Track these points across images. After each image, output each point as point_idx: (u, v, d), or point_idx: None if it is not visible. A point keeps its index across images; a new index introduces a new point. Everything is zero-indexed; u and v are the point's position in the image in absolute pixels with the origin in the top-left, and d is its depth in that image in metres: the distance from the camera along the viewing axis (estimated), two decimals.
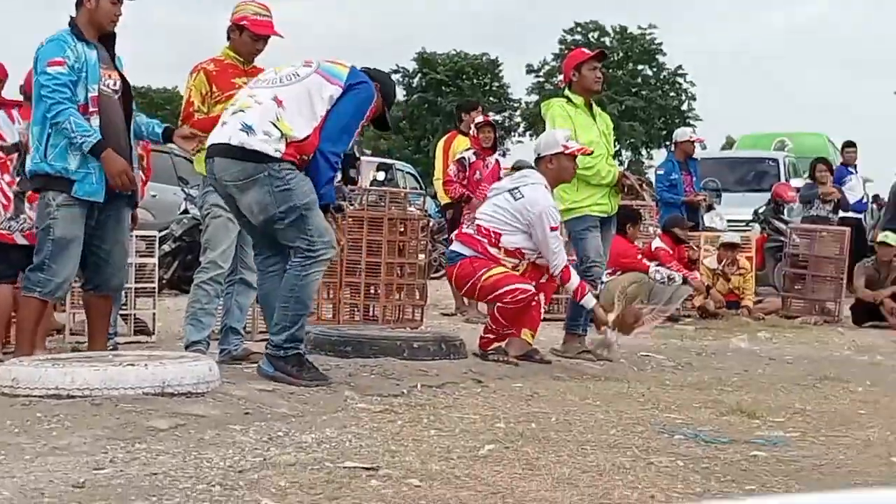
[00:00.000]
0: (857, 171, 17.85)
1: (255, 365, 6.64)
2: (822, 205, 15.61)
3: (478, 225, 8.20)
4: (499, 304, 7.93)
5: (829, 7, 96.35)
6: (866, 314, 13.50)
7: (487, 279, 7.95)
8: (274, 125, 6.25)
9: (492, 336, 8.09)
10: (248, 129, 6.27)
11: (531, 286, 7.96)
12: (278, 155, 6.24)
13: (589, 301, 8.11)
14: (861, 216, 17.65)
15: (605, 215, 8.87)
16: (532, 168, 8.66)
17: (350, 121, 6.41)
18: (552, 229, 8.00)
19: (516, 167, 14.35)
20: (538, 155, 8.37)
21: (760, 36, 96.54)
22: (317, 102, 6.33)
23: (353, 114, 6.42)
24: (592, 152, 8.50)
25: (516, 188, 8.18)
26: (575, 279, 8.08)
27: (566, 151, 8.20)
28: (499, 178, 12.50)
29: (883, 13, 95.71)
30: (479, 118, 12.80)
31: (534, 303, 8.03)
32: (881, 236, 14.21)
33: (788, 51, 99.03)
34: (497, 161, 12.76)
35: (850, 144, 18.09)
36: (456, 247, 8.27)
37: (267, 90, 6.41)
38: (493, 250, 8.05)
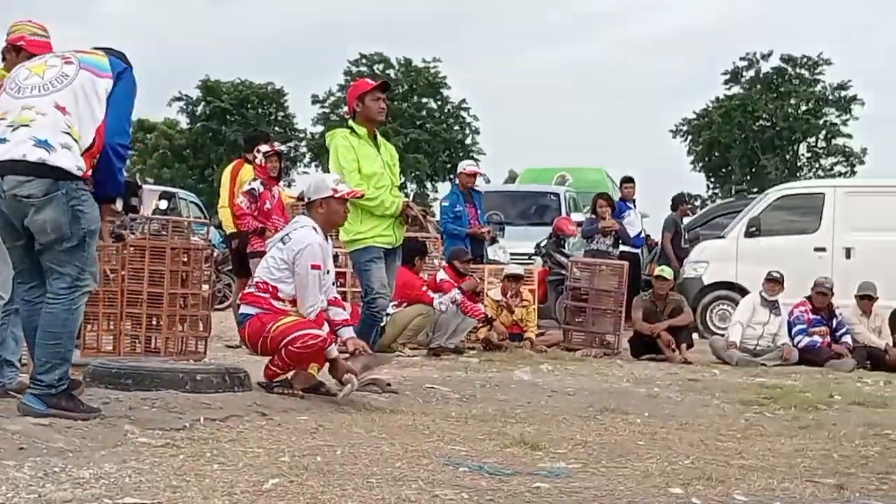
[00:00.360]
0: (635, 206, 18.33)
1: None
2: (603, 239, 15.97)
3: (256, 282, 8.07)
4: (288, 348, 7.77)
5: (604, 47, 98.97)
6: (644, 347, 13.84)
7: (276, 329, 7.76)
8: (69, 136, 6.06)
9: (277, 370, 7.98)
10: (44, 144, 6.02)
11: (322, 331, 7.83)
12: (80, 173, 6.06)
13: (331, 352, 7.97)
14: (639, 251, 18.12)
15: (390, 246, 8.89)
16: None
17: (127, 110, 6.33)
18: (313, 267, 7.79)
19: (301, 198, 14.32)
20: (308, 199, 8.25)
21: (542, 71, 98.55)
22: (94, 102, 6.17)
23: (129, 103, 6.35)
24: (363, 195, 8.49)
25: (286, 234, 8.07)
26: (326, 326, 7.92)
27: (336, 195, 8.10)
28: (284, 208, 12.47)
29: (655, 53, 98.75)
30: (266, 147, 12.72)
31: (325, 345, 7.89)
32: (658, 270, 14.61)
33: (570, 87, 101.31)
34: (280, 191, 12.73)
35: (627, 180, 18.57)
36: (243, 308, 8.09)
37: (43, 98, 6.16)
38: (277, 303, 7.89)
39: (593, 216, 16.37)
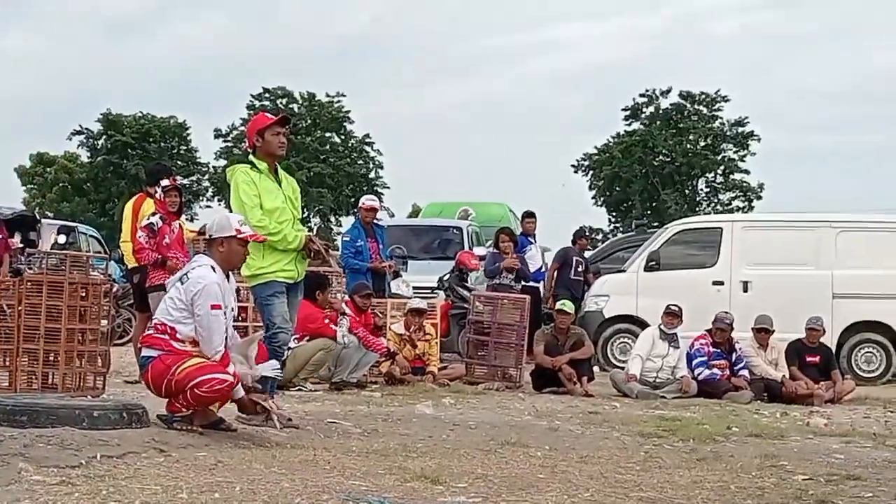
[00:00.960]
0: (535, 241, 18.45)
1: None
2: (506, 275, 16.03)
3: (155, 323, 7.96)
4: (194, 391, 7.59)
5: (506, 82, 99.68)
6: (546, 380, 13.92)
7: (181, 372, 7.61)
8: None
9: (181, 407, 7.86)
10: None
11: (229, 374, 7.70)
12: None
13: (237, 392, 7.84)
14: (539, 285, 18.21)
15: (292, 281, 8.84)
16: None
17: None
18: (213, 307, 7.67)
19: (202, 232, 14.22)
20: (210, 236, 8.16)
21: (445, 106, 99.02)
22: None
23: None
24: (265, 240, 8.48)
25: (185, 274, 7.97)
26: (231, 367, 7.79)
27: (238, 236, 8.05)
28: (183, 242, 12.38)
29: (556, 89, 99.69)
30: (166, 182, 12.63)
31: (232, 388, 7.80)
32: (559, 304, 14.72)
33: (472, 122, 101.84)
34: (181, 225, 12.65)
35: (529, 215, 18.68)
36: (144, 351, 7.94)
37: None
38: (177, 345, 7.77)
39: (496, 251, 16.44)
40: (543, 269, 18.50)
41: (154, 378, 7.77)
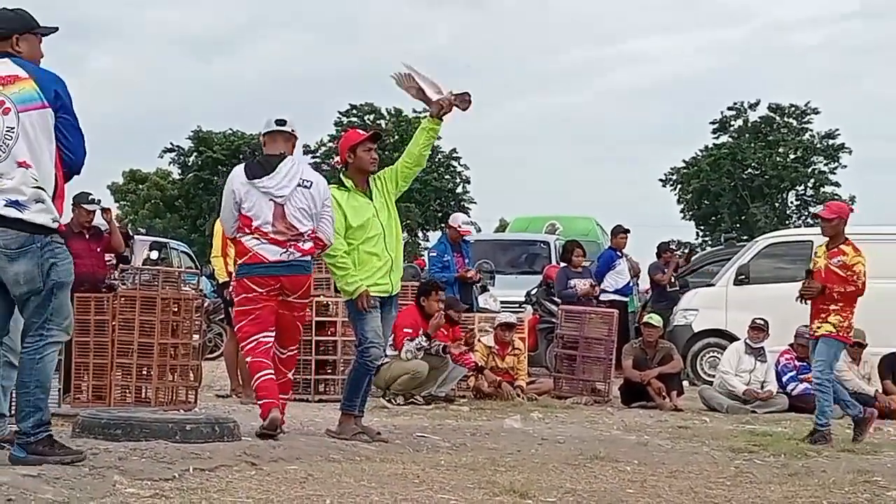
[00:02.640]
0: (625, 255, 18.33)
1: None
2: (580, 283, 15.99)
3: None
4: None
5: (594, 96, 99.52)
6: (634, 394, 13.85)
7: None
8: (40, 189, 6.13)
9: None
10: (15, 204, 6.10)
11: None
12: (55, 225, 6.18)
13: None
14: (628, 299, 18.11)
15: (386, 295, 8.88)
16: None
17: (75, 120, 6.34)
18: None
19: None
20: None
21: (532, 120, 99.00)
22: (44, 144, 6.19)
23: (72, 109, 6.32)
24: None
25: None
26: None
27: None
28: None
29: (644, 102, 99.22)
30: None
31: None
32: (646, 318, 14.64)
33: (559, 135, 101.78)
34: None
35: (622, 230, 18.47)
36: None
37: (4, 162, 6.16)
38: None
39: (565, 265, 16.36)
40: (631, 284, 18.37)
41: None
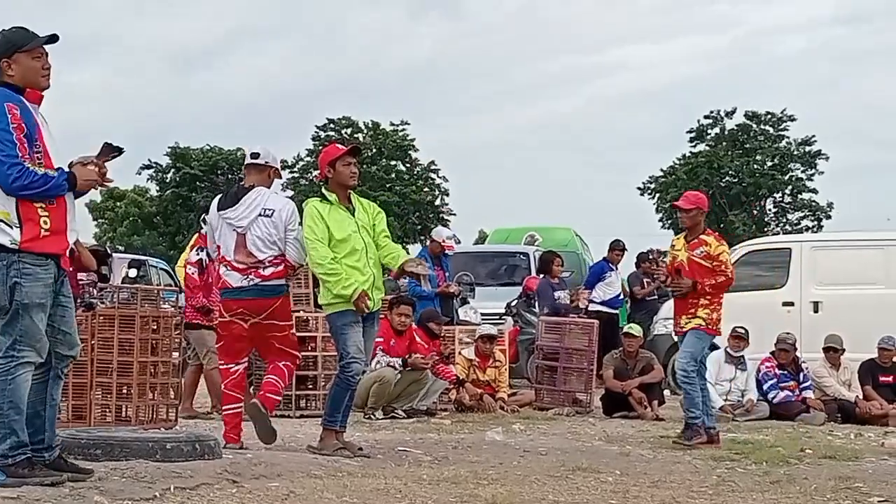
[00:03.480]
0: (616, 269, 18.33)
1: None
2: (563, 295, 16.06)
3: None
4: None
5: (568, 106, 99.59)
6: (616, 404, 13.86)
7: None
8: None
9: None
10: None
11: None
12: (13, 246, 6.14)
13: None
14: (617, 311, 18.10)
15: (368, 311, 8.87)
16: None
17: None
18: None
19: None
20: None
21: (508, 131, 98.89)
22: None
23: None
24: None
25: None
26: None
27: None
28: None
29: (619, 111, 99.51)
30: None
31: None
32: (626, 327, 14.68)
33: (536, 146, 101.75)
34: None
35: (620, 247, 18.49)
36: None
37: None
38: None
39: (546, 276, 16.38)
40: (621, 296, 18.38)
41: None
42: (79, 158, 6.41)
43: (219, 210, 8.93)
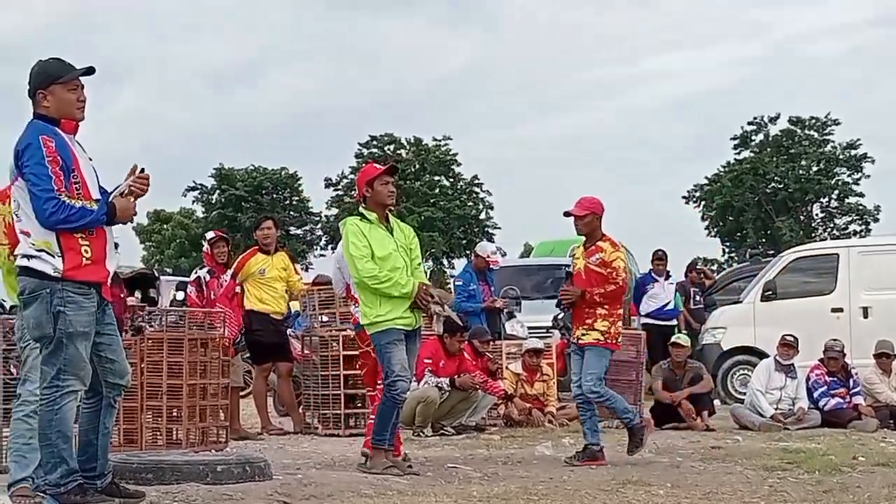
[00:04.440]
0: (663, 278, 18.06)
1: None
2: None
3: None
4: None
5: (612, 115, 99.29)
6: (665, 416, 13.79)
7: None
8: (42, 251, 6.20)
9: None
10: (25, 257, 6.28)
11: None
12: (56, 274, 6.18)
13: None
14: (667, 322, 17.87)
15: (410, 328, 8.89)
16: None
17: (33, 183, 6.17)
18: None
19: (316, 282, 14.40)
20: None
21: (551, 143, 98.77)
22: (30, 210, 6.24)
23: (35, 178, 6.16)
24: None
25: None
26: None
27: None
28: (232, 297, 12.44)
29: (662, 120, 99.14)
30: (210, 234, 12.85)
31: None
32: (674, 337, 14.60)
33: (579, 157, 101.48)
34: (232, 278, 12.71)
35: (657, 255, 18.29)
36: None
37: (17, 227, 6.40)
38: None
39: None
40: (670, 306, 18.10)
41: None
42: (115, 192, 6.45)
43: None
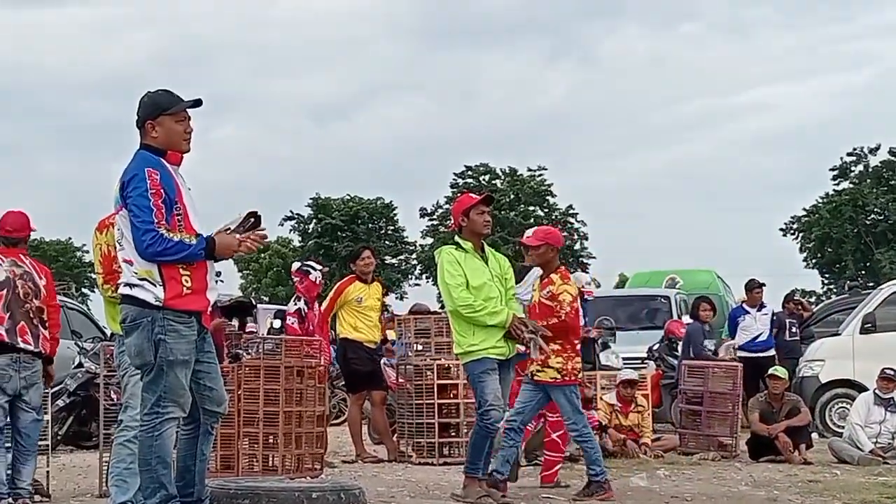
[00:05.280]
0: (755, 310, 17.77)
1: None
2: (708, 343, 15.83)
3: None
4: None
5: (707, 147, 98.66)
6: (762, 449, 13.65)
7: None
8: (144, 279, 6.30)
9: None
10: (127, 285, 6.39)
11: None
12: (157, 303, 6.27)
13: None
14: (760, 354, 17.61)
15: (504, 358, 8.91)
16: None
17: (136, 215, 6.26)
18: None
19: (413, 311, 14.46)
20: None
21: (646, 174, 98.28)
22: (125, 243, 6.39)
23: (137, 209, 6.25)
24: None
25: None
26: None
27: None
28: (323, 326, 12.55)
29: (759, 151, 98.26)
30: (311, 264, 12.95)
31: None
32: (771, 370, 14.45)
33: (675, 188, 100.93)
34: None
35: (753, 286, 18.03)
36: None
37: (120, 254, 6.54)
38: None
39: (696, 322, 16.12)
40: (762, 337, 17.85)
41: None
42: (222, 227, 6.54)
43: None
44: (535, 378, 9.38)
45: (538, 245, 9.53)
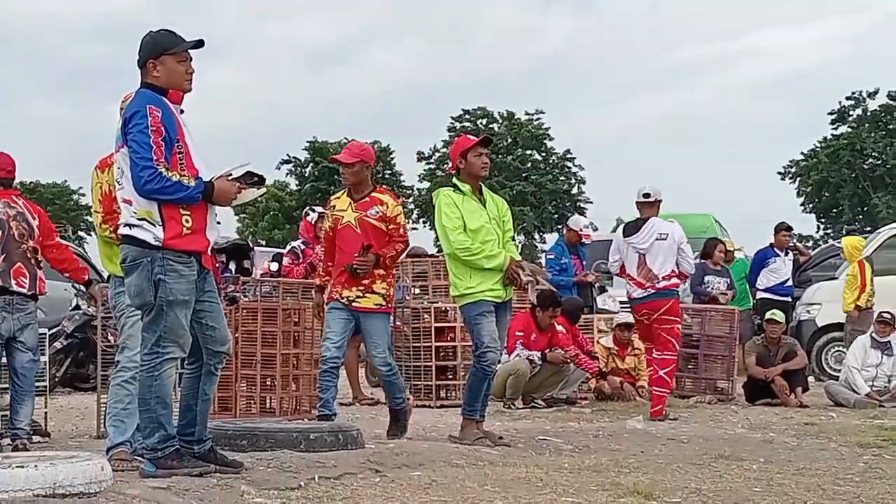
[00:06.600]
0: (786, 254, 17.60)
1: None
2: (716, 282, 15.64)
3: None
4: None
5: (706, 93, 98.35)
6: (758, 392, 13.69)
7: None
8: (144, 219, 6.28)
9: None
10: (126, 225, 6.38)
11: None
12: (157, 243, 6.26)
13: None
14: (785, 298, 17.48)
15: (500, 301, 8.89)
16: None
17: (135, 151, 6.22)
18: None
19: (410, 255, 14.43)
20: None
21: (645, 120, 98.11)
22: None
23: (136, 136, 6.22)
24: None
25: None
26: None
27: None
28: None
29: (758, 97, 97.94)
30: (319, 209, 12.92)
31: None
32: (769, 314, 14.44)
33: (673, 134, 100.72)
34: None
35: (782, 227, 17.78)
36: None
37: (118, 194, 6.53)
38: None
39: (703, 261, 15.93)
40: (788, 283, 17.65)
41: None
42: (224, 172, 6.51)
43: (624, 236, 11.66)
44: (354, 305, 8.98)
45: (352, 162, 9.14)
